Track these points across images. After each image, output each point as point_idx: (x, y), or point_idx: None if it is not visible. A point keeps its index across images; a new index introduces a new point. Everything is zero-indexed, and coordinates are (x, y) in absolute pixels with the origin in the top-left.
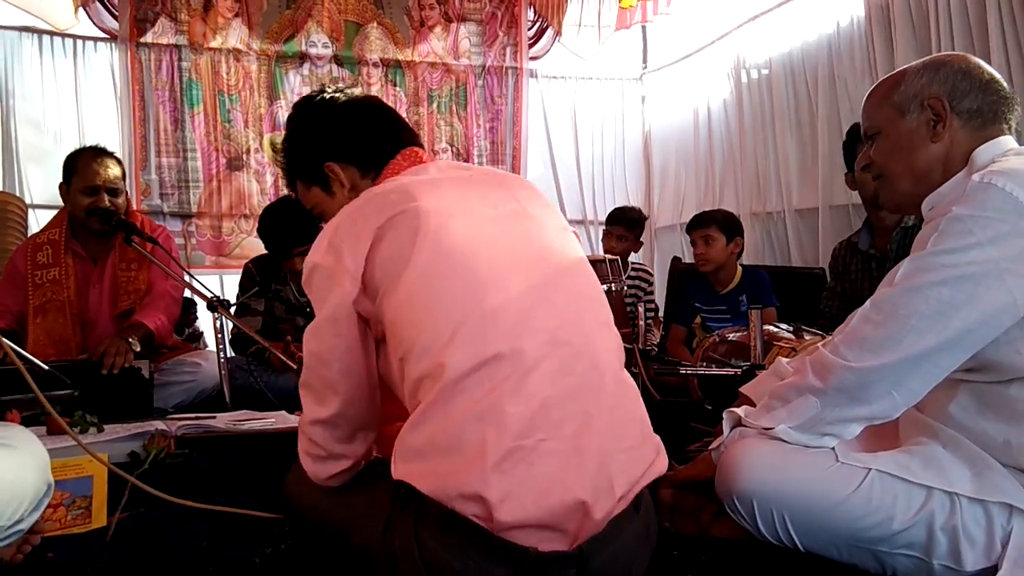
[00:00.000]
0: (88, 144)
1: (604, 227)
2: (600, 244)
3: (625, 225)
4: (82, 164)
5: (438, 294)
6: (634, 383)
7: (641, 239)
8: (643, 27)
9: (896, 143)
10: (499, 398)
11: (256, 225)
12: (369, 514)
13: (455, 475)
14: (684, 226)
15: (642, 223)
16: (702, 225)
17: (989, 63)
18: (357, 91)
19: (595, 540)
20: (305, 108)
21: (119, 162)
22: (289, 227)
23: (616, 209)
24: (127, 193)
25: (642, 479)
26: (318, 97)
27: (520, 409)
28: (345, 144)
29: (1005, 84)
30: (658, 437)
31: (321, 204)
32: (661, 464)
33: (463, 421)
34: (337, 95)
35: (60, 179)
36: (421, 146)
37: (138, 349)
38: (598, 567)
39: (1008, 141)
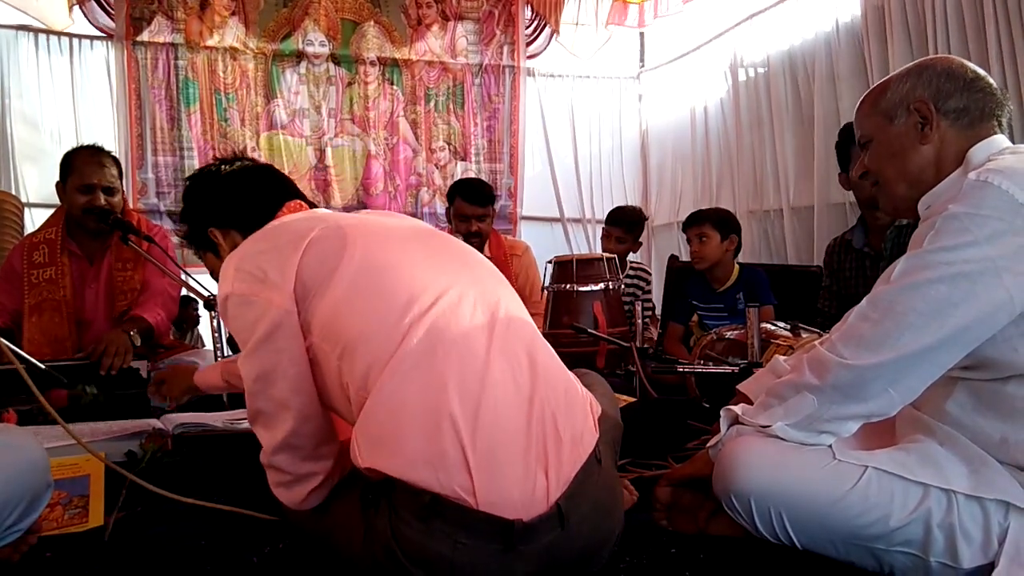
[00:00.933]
0: (85, 143)
1: (604, 227)
2: (598, 242)
3: (625, 228)
4: (79, 163)
5: (378, 284)
6: (551, 348)
7: (640, 239)
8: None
9: (887, 149)
10: (457, 366)
11: None
12: (346, 528)
13: (428, 450)
14: (681, 224)
15: (642, 224)
16: (696, 223)
17: (985, 62)
18: (247, 162)
19: (569, 497)
20: (192, 182)
21: (116, 161)
22: None
23: (616, 209)
24: (124, 192)
25: (586, 423)
26: (205, 170)
27: (478, 374)
28: (224, 211)
29: (992, 81)
30: (584, 388)
31: (215, 268)
32: (596, 407)
33: (424, 396)
34: (223, 167)
35: (56, 178)
36: (305, 199)
37: (138, 343)
38: (578, 522)
39: (1002, 140)
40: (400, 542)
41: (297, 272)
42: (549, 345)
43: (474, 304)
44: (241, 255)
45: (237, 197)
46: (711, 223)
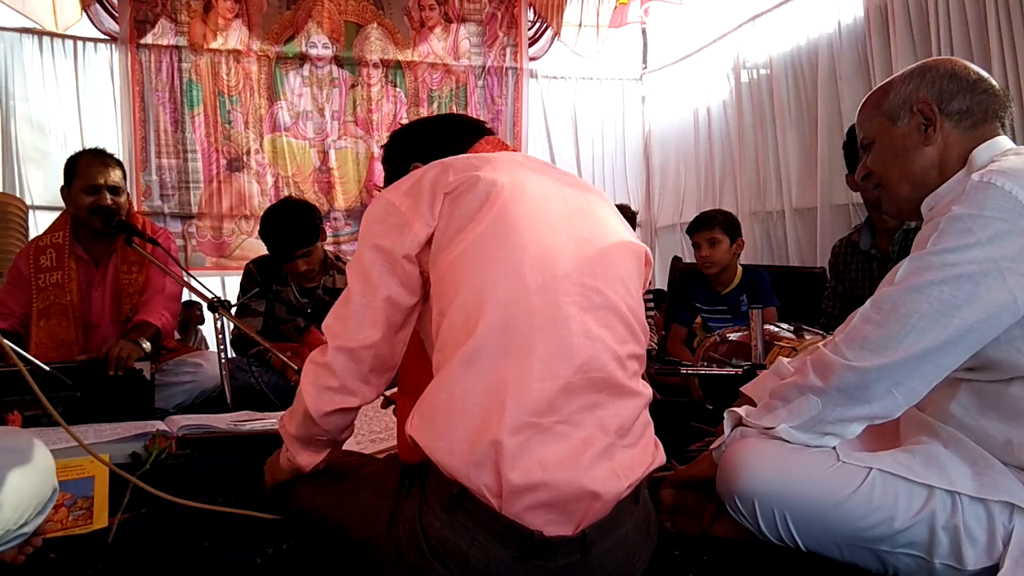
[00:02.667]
0: (89, 146)
1: None
2: None
3: None
4: (83, 165)
5: (485, 261)
6: (644, 385)
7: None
8: (643, 27)
9: (890, 150)
10: (524, 372)
11: (257, 226)
12: (374, 507)
13: (467, 451)
14: (684, 226)
15: (634, 220)
16: (706, 227)
17: (988, 62)
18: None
19: (598, 527)
20: (404, 126)
21: (120, 164)
22: (291, 228)
23: None
24: (129, 195)
25: (644, 473)
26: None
27: (544, 386)
28: (427, 145)
29: (994, 83)
30: (652, 431)
31: None
32: (660, 459)
33: (483, 388)
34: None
35: (60, 181)
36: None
37: (150, 350)
38: (601, 554)
39: (1005, 141)
40: (425, 529)
41: (439, 218)
42: (641, 384)
43: (577, 327)
44: (420, 177)
45: (439, 133)
46: (721, 227)
